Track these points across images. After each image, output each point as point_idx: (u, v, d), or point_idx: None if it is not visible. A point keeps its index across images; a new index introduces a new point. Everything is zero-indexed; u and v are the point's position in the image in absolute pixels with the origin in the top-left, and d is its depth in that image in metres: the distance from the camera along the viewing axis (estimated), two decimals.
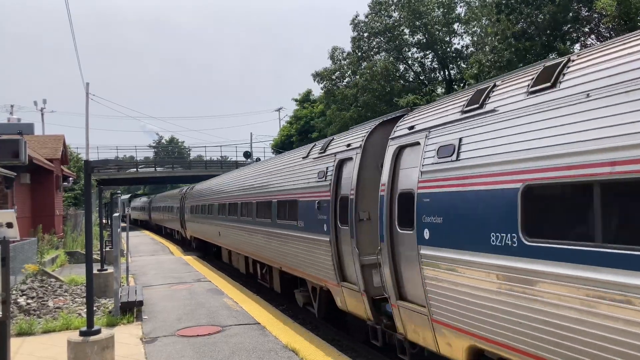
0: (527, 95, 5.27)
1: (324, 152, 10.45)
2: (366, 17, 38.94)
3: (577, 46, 25.09)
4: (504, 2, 24.60)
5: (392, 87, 36.30)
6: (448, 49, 38.79)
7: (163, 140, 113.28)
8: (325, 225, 9.51)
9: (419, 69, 40.36)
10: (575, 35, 25.20)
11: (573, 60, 5.05)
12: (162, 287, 15.66)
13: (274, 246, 12.90)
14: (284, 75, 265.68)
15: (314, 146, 11.58)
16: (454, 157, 6.01)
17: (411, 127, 7.23)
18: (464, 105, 6.25)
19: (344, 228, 8.93)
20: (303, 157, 11.70)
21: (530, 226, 4.91)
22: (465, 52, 37.88)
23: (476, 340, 5.66)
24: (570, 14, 24.30)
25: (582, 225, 4.48)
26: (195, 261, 22.80)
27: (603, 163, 4.21)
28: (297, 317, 12.33)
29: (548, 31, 24.04)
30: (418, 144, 6.89)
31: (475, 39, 35.09)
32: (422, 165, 6.58)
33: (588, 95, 4.52)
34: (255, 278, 16.84)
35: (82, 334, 7.53)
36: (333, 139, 10.57)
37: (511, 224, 5.04)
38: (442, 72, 39.98)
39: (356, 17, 39.08)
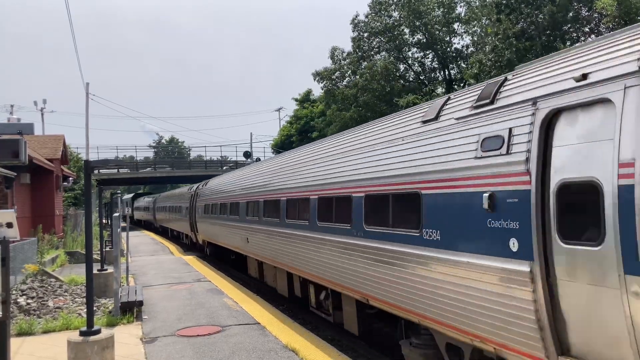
0: None
1: (490, 102, 5.95)
2: (366, 17, 38.97)
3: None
4: (504, 2, 24.65)
5: (392, 87, 36.30)
6: (448, 49, 38.79)
7: (163, 140, 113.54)
8: (513, 240, 5.35)
9: (419, 69, 40.37)
10: (575, 35, 25.23)
11: None
12: (162, 287, 15.66)
13: (353, 266, 8.63)
14: (284, 75, 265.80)
15: (447, 99, 7.12)
16: None
17: None
18: None
19: (576, 248, 4.77)
20: (424, 121, 7.23)
21: None
22: (465, 52, 37.89)
23: None
24: (570, 14, 24.36)
25: None
26: (195, 261, 22.81)
27: None
28: (297, 317, 12.32)
29: (548, 31, 24.08)
30: None
31: (476, 38, 35.09)
32: None
33: None
34: (303, 303, 12.83)
35: (82, 334, 7.55)
36: (506, 79, 6.05)
37: None
38: (442, 72, 39.98)
39: (356, 17, 39.13)
